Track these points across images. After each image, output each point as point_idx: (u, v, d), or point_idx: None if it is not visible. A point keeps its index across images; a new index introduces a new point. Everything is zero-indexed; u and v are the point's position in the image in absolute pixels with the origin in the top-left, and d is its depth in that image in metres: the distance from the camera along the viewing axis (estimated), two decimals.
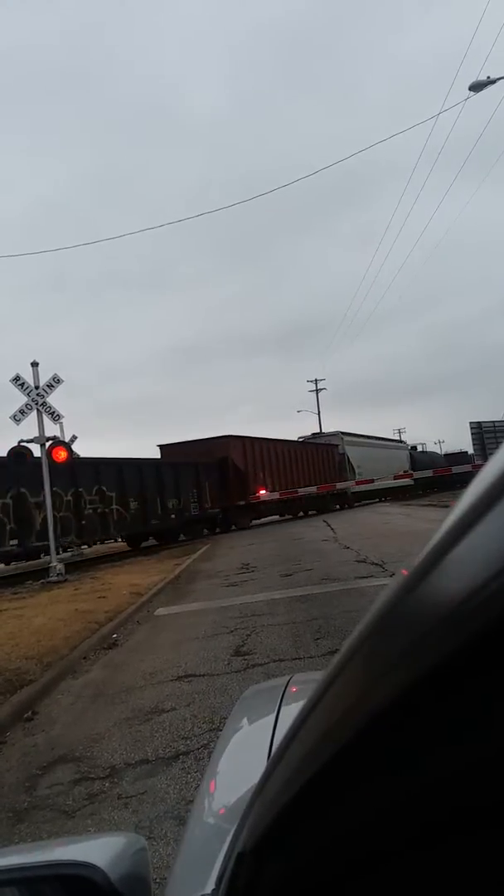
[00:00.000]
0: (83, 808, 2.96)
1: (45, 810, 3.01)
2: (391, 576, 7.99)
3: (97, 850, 0.63)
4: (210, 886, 0.56)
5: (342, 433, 36.96)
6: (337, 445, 35.38)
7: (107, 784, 3.18)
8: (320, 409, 49.01)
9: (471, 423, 41.21)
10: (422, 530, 14.21)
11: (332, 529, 17.91)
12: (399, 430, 69.42)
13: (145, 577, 11.89)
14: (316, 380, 49.96)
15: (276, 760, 0.41)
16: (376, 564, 9.22)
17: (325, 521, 22.01)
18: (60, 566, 13.45)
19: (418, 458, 48.00)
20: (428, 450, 58.22)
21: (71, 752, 3.70)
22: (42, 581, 13.03)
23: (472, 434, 41.42)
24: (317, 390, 49.69)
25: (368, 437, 41.79)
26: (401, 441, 48.39)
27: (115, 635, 7.03)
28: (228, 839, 0.64)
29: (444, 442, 68.87)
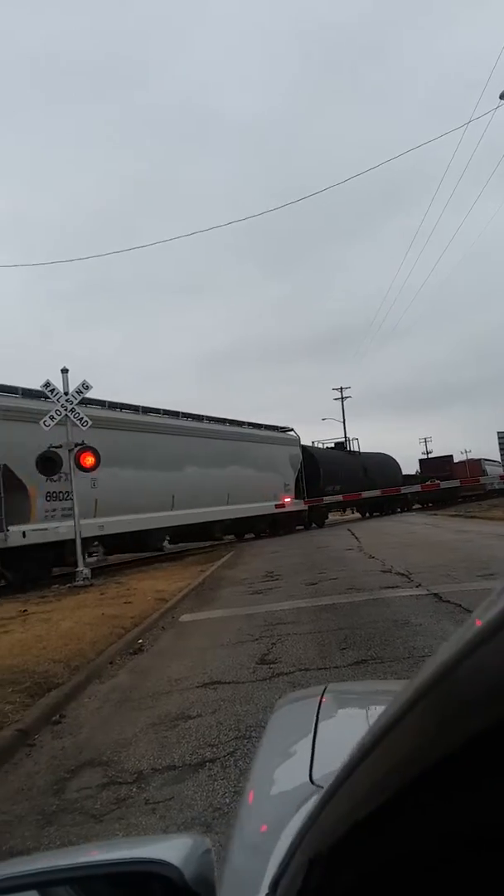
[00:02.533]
0: (111, 812, 2.99)
1: (73, 813, 3.04)
2: (417, 586, 7.93)
3: (171, 850, 0.66)
4: (263, 892, 0.57)
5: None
6: None
7: (134, 789, 3.20)
8: (345, 418, 48.65)
9: (499, 432, 40.73)
10: (448, 541, 14.07)
11: (356, 539, 17.81)
12: (426, 438, 68.66)
13: (170, 583, 11.95)
14: (341, 388, 49.73)
15: (349, 770, 0.43)
16: (402, 575, 9.15)
17: (349, 531, 21.89)
18: (87, 571, 13.59)
19: (327, 462, 29.90)
20: (365, 449, 36.38)
21: (98, 756, 3.74)
22: (69, 585, 13.18)
23: (499, 443, 40.96)
24: (342, 398, 49.47)
25: (134, 409, 18.92)
26: (284, 430, 28.22)
27: (140, 640, 7.08)
28: (279, 845, 0.66)
29: (469, 451, 64.35)
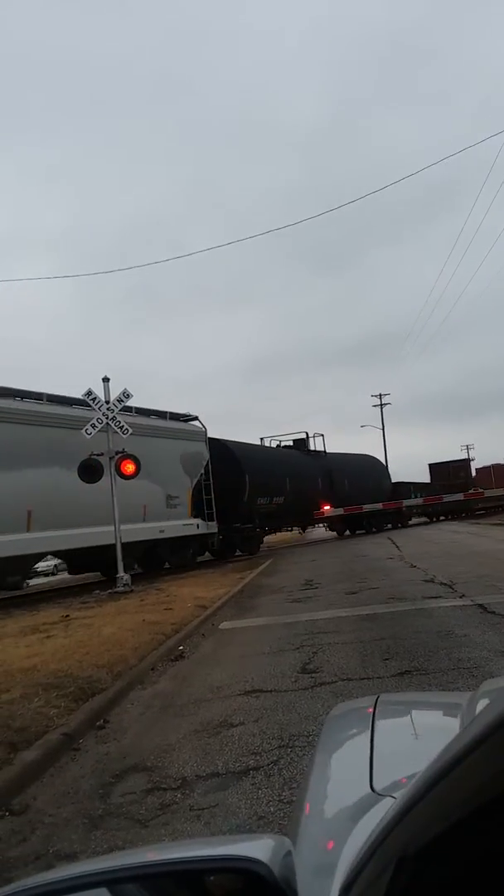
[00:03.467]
0: (156, 817, 3.00)
1: (119, 818, 3.07)
2: (461, 597, 7.78)
3: (258, 848, 0.67)
4: (334, 894, 0.59)
5: None
6: None
7: (178, 795, 3.21)
8: (384, 425, 48.18)
9: None
10: (493, 550, 13.79)
11: (397, 547, 17.60)
12: (468, 446, 67.31)
13: (209, 591, 11.99)
14: (380, 394, 49.33)
15: (443, 772, 0.43)
16: (445, 585, 9.00)
17: (389, 539, 21.64)
18: (127, 577, 13.73)
19: (259, 464, 21.86)
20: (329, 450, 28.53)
21: (142, 761, 3.76)
22: (109, 591, 13.34)
23: None
24: (381, 405, 49.10)
25: None
26: (179, 418, 19.62)
27: (181, 647, 7.11)
28: (346, 851, 0.66)
29: None
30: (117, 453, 14.01)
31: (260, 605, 9.84)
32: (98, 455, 13.83)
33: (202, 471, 19.41)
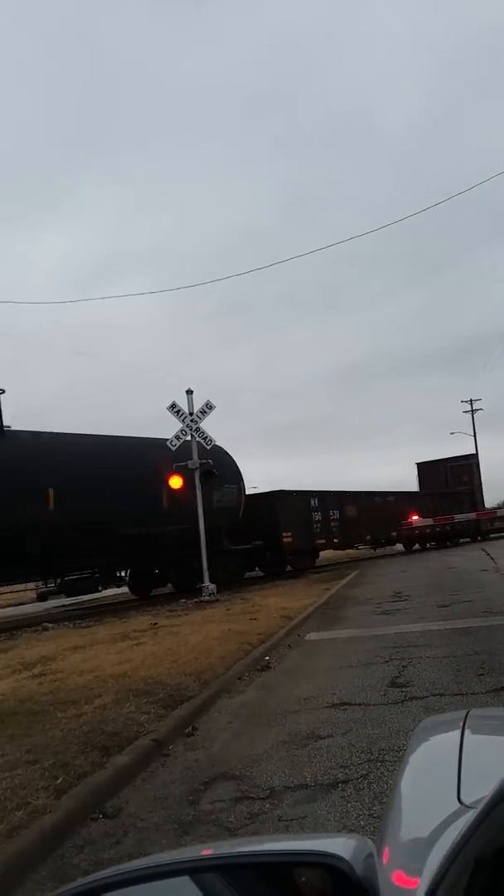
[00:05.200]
0: (245, 826, 2.99)
1: (208, 825, 3.08)
2: None
3: (340, 846, 0.67)
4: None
5: None
6: None
7: (267, 805, 3.19)
8: (476, 432, 46.49)
9: None
10: None
11: (491, 559, 16.92)
12: None
13: (294, 601, 11.94)
14: (471, 400, 47.60)
15: None
16: None
17: (483, 550, 20.83)
18: (212, 586, 13.90)
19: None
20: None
21: (230, 770, 3.76)
22: (195, 600, 13.55)
23: None
24: (472, 411, 47.38)
25: None
26: None
27: (267, 658, 7.10)
28: (431, 858, 0.64)
29: None
30: (201, 463, 14.26)
31: (347, 617, 9.69)
32: (181, 465, 14.16)
33: None
